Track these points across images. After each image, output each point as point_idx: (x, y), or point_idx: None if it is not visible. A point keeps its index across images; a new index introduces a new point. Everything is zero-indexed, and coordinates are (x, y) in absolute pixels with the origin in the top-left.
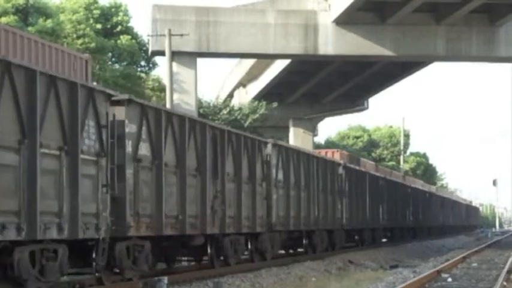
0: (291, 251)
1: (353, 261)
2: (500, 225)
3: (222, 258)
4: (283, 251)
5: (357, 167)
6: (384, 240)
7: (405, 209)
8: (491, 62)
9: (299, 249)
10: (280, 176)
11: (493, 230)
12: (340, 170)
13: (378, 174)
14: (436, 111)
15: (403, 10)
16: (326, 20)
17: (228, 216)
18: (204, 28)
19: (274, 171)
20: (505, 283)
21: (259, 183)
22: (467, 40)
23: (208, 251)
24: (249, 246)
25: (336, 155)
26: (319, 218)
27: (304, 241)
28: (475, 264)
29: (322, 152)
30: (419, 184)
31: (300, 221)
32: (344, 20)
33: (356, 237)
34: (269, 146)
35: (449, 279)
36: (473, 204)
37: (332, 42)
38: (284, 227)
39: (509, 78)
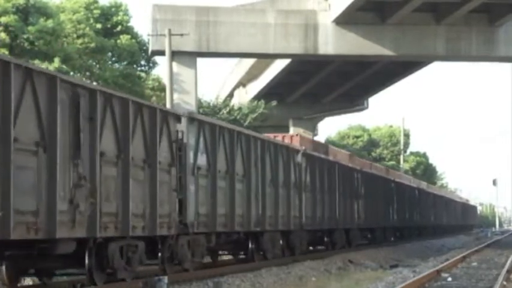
0: (310, 248)
1: (353, 261)
2: (500, 225)
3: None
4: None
5: (323, 156)
6: (364, 242)
7: (388, 206)
8: (491, 61)
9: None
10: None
11: (493, 229)
12: (299, 160)
13: (351, 165)
14: (436, 111)
15: (403, 10)
16: (326, 19)
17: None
18: (204, 28)
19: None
20: (504, 283)
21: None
22: (467, 40)
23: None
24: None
25: (295, 140)
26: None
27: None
28: (474, 264)
29: (279, 137)
30: (406, 179)
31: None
32: (344, 20)
33: (326, 239)
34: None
35: (449, 279)
36: (472, 202)
37: (332, 42)
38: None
39: (509, 78)
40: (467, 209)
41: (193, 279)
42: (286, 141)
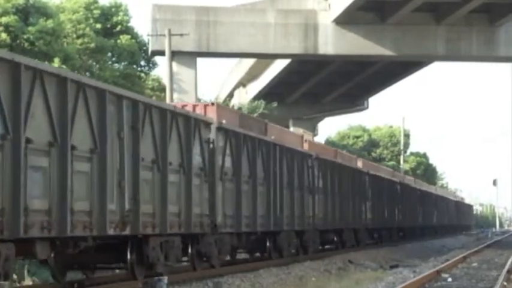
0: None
1: (353, 261)
2: (501, 225)
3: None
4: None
5: (252, 133)
6: (328, 246)
7: (360, 204)
8: (491, 62)
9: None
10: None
11: (493, 229)
12: (212, 136)
13: (303, 150)
14: (436, 111)
15: (403, 10)
16: (326, 19)
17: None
18: (204, 28)
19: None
20: (505, 283)
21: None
22: (467, 40)
23: (267, 244)
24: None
25: (210, 111)
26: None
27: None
28: (475, 264)
29: (188, 106)
30: (387, 173)
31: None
32: (344, 20)
33: (268, 244)
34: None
35: (449, 279)
36: (472, 202)
37: (332, 42)
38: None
39: (509, 78)
40: (462, 208)
41: (193, 279)
42: (199, 111)
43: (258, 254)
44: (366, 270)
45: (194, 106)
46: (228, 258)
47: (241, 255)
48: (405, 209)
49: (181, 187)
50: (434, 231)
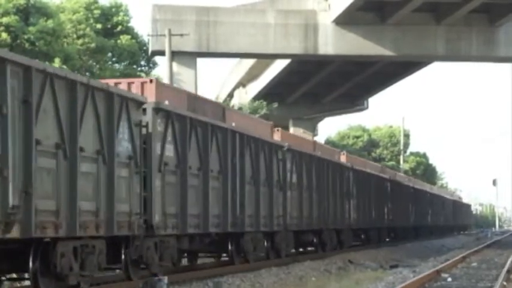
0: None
1: (353, 261)
2: (500, 225)
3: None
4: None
5: (203, 118)
6: (301, 249)
7: (343, 203)
8: (491, 62)
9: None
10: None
11: (493, 229)
12: (145, 119)
13: (273, 140)
14: (436, 111)
15: (403, 10)
16: (326, 20)
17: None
18: (204, 28)
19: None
20: (504, 283)
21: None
22: (467, 40)
23: (229, 247)
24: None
25: (148, 90)
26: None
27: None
28: (474, 264)
29: (122, 84)
30: (376, 169)
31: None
32: (344, 20)
33: (230, 247)
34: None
35: (449, 279)
36: (472, 202)
37: (332, 42)
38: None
39: (509, 78)
40: (459, 207)
41: (194, 279)
42: (135, 90)
43: (225, 258)
44: (366, 270)
45: (129, 83)
46: (181, 263)
47: (202, 260)
48: (396, 208)
49: (99, 179)
50: (429, 231)
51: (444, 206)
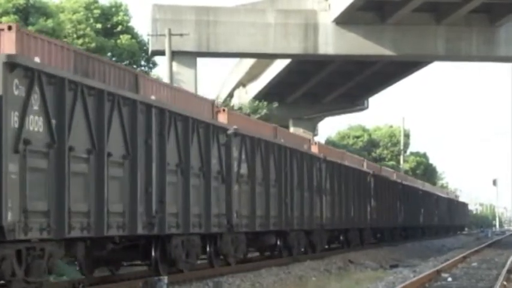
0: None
1: (353, 261)
2: (500, 225)
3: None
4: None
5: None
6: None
7: (312, 198)
8: (491, 62)
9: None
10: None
11: (493, 229)
12: (15, 91)
13: (218, 122)
14: (436, 111)
15: (403, 10)
16: (326, 19)
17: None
18: (204, 28)
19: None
20: (505, 283)
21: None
22: (467, 40)
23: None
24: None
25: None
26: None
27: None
28: (475, 264)
29: None
30: (356, 162)
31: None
32: (344, 20)
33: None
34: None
35: (449, 279)
36: (472, 202)
37: (332, 42)
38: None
39: (509, 78)
40: (455, 206)
41: (194, 279)
42: None
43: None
44: (366, 270)
45: None
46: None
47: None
48: (381, 206)
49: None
50: (421, 232)
51: (438, 205)
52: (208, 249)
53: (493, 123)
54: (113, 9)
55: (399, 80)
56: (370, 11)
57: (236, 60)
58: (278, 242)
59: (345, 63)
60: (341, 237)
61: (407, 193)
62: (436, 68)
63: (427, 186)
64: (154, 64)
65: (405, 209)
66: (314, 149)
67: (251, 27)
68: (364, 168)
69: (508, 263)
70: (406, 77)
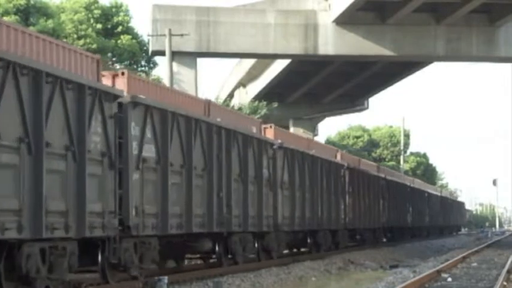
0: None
1: (353, 261)
2: (500, 225)
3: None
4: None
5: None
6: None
7: (269, 196)
8: (491, 62)
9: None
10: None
11: (493, 229)
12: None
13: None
14: (436, 111)
15: (403, 10)
16: (326, 20)
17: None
18: (204, 28)
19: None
20: (505, 283)
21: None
22: (467, 40)
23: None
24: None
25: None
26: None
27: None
28: (474, 264)
29: None
30: (328, 152)
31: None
32: (344, 20)
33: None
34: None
35: (449, 279)
36: (472, 202)
37: (332, 42)
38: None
39: (509, 78)
40: (450, 204)
41: (194, 279)
42: None
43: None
44: (366, 270)
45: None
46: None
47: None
48: (360, 204)
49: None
50: (410, 234)
51: (430, 204)
52: (256, 245)
53: (493, 123)
54: (114, 10)
55: (399, 80)
56: (370, 11)
57: (236, 60)
58: (308, 240)
59: (345, 63)
60: (309, 240)
61: (392, 190)
62: (436, 68)
63: (418, 183)
64: (155, 64)
65: (390, 207)
66: (269, 134)
67: (251, 27)
68: (337, 160)
69: (508, 263)
70: (406, 77)
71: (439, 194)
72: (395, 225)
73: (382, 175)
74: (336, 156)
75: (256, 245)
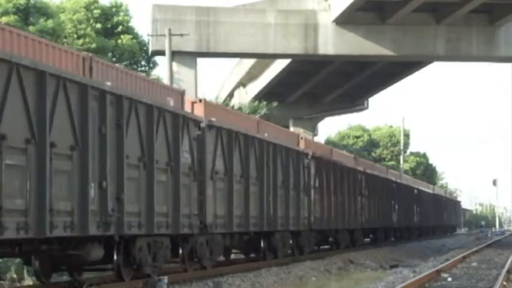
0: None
1: (353, 261)
2: (500, 225)
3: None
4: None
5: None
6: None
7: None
8: (491, 62)
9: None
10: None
11: (493, 229)
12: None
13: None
14: (436, 111)
15: (403, 10)
16: (326, 20)
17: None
18: (204, 28)
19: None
20: (504, 283)
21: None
22: (467, 40)
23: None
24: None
25: None
26: None
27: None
28: (474, 264)
29: None
30: (289, 140)
31: None
32: (344, 20)
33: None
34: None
35: (449, 279)
36: (473, 202)
37: (332, 42)
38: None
39: (509, 78)
40: (443, 203)
41: (194, 279)
42: None
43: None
44: (366, 270)
45: None
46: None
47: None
48: (329, 201)
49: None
50: (395, 235)
51: (420, 201)
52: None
53: (493, 123)
54: (113, 10)
55: (399, 80)
56: (370, 11)
57: (236, 60)
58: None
59: (345, 63)
60: (272, 242)
61: (373, 185)
62: (436, 68)
63: (406, 179)
64: (155, 64)
65: (371, 205)
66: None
67: (251, 27)
68: (301, 148)
69: (508, 263)
70: (406, 77)
71: (431, 192)
72: (377, 225)
73: (360, 168)
74: (296, 143)
75: (291, 242)
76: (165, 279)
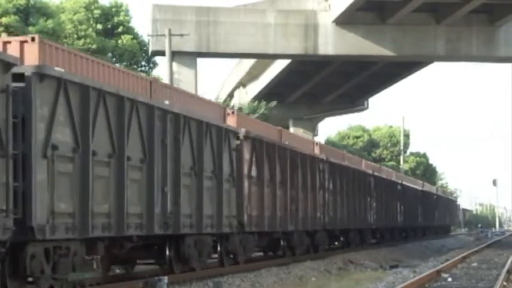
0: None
1: (353, 261)
2: (500, 225)
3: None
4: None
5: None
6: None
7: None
8: (491, 62)
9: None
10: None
11: (493, 229)
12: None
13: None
14: (436, 111)
15: (403, 10)
16: (326, 20)
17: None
18: (204, 28)
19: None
20: (505, 283)
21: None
22: (467, 40)
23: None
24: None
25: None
26: None
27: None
28: (474, 264)
29: None
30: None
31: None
32: (344, 20)
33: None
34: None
35: (449, 279)
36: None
37: (332, 42)
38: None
39: (509, 78)
40: (436, 202)
41: (193, 279)
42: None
43: None
44: (366, 270)
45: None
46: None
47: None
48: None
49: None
50: (374, 236)
51: (405, 199)
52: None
53: (493, 123)
54: (114, 10)
55: (399, 80)
56: (370, 11)
57: (236, 60)
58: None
59: (345, 63)
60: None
61: (351, 180)
62: (436, 68)
63: (386, 172)
64: (155, 64)
65: (346, 204)
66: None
67: (251, 27)
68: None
69: (508, 263)
70: (406, 77)
71: (419, 188)
72: (353, 225)
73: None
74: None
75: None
76: (165, 279)
